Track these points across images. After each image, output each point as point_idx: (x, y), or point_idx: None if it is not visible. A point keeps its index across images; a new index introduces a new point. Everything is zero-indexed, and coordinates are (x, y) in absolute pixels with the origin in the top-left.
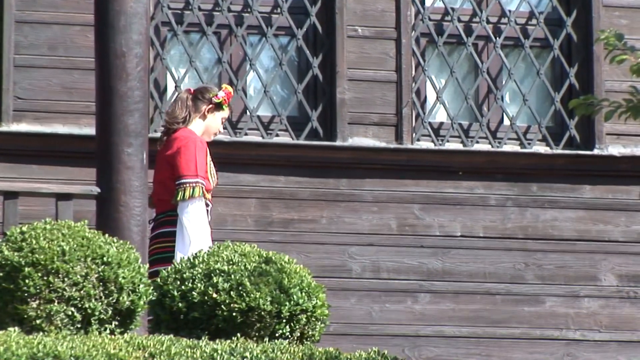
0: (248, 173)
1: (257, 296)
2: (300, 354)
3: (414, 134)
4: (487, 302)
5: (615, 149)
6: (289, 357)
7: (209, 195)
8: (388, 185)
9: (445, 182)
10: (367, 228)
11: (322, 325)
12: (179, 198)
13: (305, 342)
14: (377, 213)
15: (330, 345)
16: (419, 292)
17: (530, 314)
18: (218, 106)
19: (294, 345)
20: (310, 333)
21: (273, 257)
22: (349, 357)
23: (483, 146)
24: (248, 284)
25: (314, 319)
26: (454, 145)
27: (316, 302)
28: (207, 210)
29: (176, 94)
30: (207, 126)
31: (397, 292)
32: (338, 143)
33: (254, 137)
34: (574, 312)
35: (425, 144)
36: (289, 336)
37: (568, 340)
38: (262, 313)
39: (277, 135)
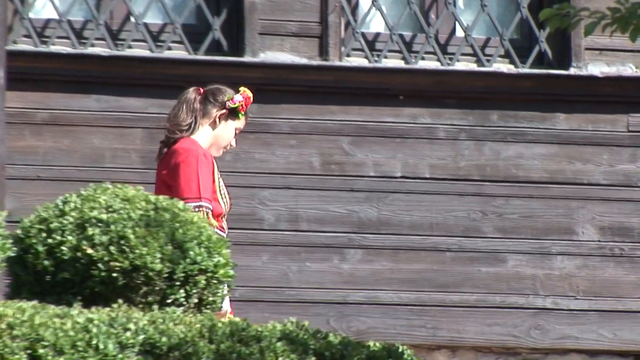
0: (132, 96)
1: (144, 252)
2: (199, 325)
3: (342, 48)
4: (434, 261)
5: (596, 68)
6: (183, 330)
7: (222, 221)
8: (310, 113)
9: (382, 110)
10: (283, 167)
11: (227, 289)
12: None
13: (205, 311)
14: (296, 148)
15: (236, 314)
16: (348, 248)
17: (488, 276)
18: (233, 113)
19: (191, 315)
20: (210, 299)
21: (164, 203)
22: (259, 330)
23: (430, 63)
24: (132, 237)
25: (215, 282)
26: (393, 62)
27: (218, 261)
28: None
29: (181, 94)
30: (217, 136)
31: (321, 248)
32: (247, 59)
33: (140, 51)
34: (544, 274)
35: (357, 61)
36: (184, 303)
37: (536, 309)
38: (150, 274)
39: (169, 48)
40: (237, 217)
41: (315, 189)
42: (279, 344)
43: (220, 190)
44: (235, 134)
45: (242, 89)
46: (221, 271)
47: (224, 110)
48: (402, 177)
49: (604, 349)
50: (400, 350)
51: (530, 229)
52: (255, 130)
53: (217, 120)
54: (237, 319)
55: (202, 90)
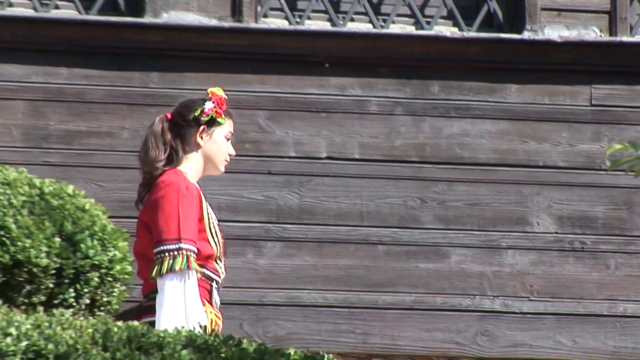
0: (13, 63)
1: (27, 245)
2: (91, 330)
3: (258, 8)
4: (365, 256)
5: (554, 32)
6: (73, 335)
7: (214, 264)
8: (220, 83)
9: (304, 79)
10: None
11: (123, 288)
12: (154, 273)
13: (99, 313)
14: None
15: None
16: (264, 241)
17: (428, 274)
18: (211, 123)
19: (82, 318)
20: (105, 299)
21: (51, 187)
22: (161, 335)
23: (360, 26)
24: (14, 227)
25: (110, 279)
26: (317, 24)
27: (114, 255)
28: (213, 287)
29: (148, 128)
30: (208, 156)
31: (233, 241)
32: (147, 20)
33: (22, 10)
34: (493, 272)
35: (276, 22)
36: (75, 304)
37: (483, 313)
38: (35, 270)
39: (56, 7)
40: (134, 204)
41: (226, 172)
42: (184, 352)
43: (210, 228)
44: (228, 140)
45: (209, 91)
46: (117, 267)
47: (201, 127)
48: (327, 158)
49: (562, 358)
50: (325, 359)
51: (477, 219)
52: (157, 103)
53: (200, 139)
54: (136, 323)
55: (169, 115)
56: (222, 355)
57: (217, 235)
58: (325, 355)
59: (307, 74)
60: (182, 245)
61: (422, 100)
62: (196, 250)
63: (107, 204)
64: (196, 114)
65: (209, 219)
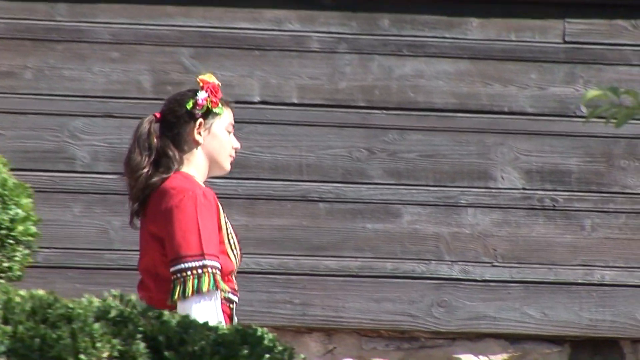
0: None
1: None
2: None
3: None
4: (304, 215)
5: None
6: None
7: (233, 281)
8: (138, 16)
9: (235, 12)
10: (102, 88)
11: (27, 252)
12: (176, 296)
13: None
14: (119, 63)
15: (42, 285)
16: None
17: (376, 236)
18: (208, 115)
19: None
20: (5, 265)
21: None
22: (70, 306)
23: None
24: None
25: (12, 242)
26: None
27: (16, 214)
28: (233, 310)
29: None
30: (211, 153)
31: None
32: None
33: None
34: (451, 233)
35: None
36: None
37: (440, 280)
38: None
39: None
40: (43, 155)
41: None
42: (96, 325)
43: (229, 240)
44: (230, 132)
45: (199, 79)
46: (19, 227)
47: (198, 120)
48: (261, 102)
49: (530, 333)
50: (258, 333)
51: (433, 173)
52: (64, 39)
53: (198, 136)
54: (42, 292)
55: (158, 115)
56: (141, 328)
57: (235, 247)
58: (259, 329)
59: (238, 5)
60: (207, 262)
61: (370, 37)
62: (220, 267)
63: (7, 155)
64: (189, 107)
65: (227, 228)
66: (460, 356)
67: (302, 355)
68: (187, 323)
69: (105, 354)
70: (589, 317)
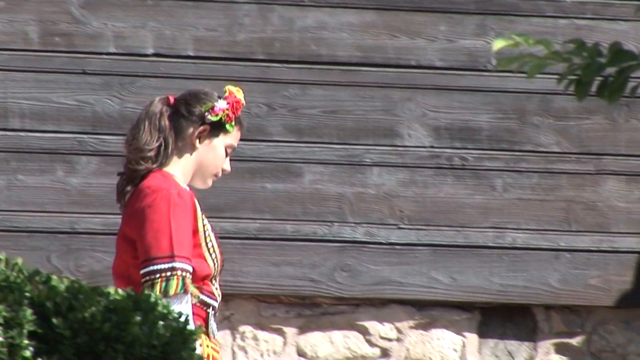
0: None
1: None
2: None
3: None
4: None
5: None
6: None
7: (210, 285)
8: None
9: None
10: None
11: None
12: None
13: None
14: (6, 12)
15: None
16: (78, 155)
17: (276, 196)
18: (217, 127)
19: None
20: None
21: None
22: None
23: None
24: None
25: None
26: None
27: None
28: (210, 314)
29: (144, 107)
30: (200, 163)
31: (39, 155)
32: None
33: None
34: (354, 194)
35: None
36: None
37: (343, 243)
38: None
39: None
40: None
41: (31, 71)
42: None
43: (206, 243)
44: (227, 153)
45: (227, 89)
46: None
47: (203, 126)
48: (155, 54)
49: (437, 299)
50: (151, 299)
51: (336, 130)
52: None
53: (197, 141)
54: None
55: (172, 99)
56: (27, 294)
57: (215, 251)
58: (152, 294)
59: None
60: (176, 265)
61: None
62: (191, 270)
63: None
64: (204, 109)
65: (204, 230)
66: (364, 323)
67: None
68: (77, 288)
69: None
70: (500, 283)
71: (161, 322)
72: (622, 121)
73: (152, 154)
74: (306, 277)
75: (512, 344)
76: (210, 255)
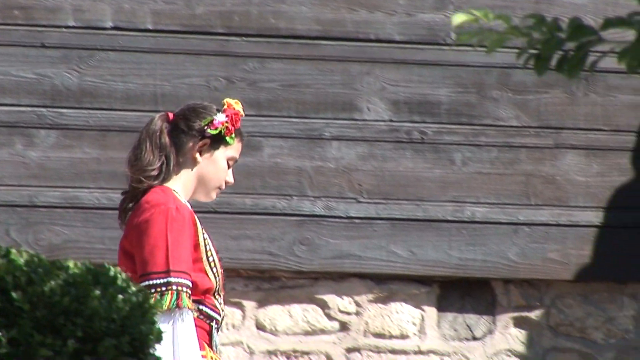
0: None
1: None
2: None
3: None
4: None
5: None
6: None
7: (213, 300)
8: None
9: None
10: None
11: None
12: None
13: None
14: None
15: None
16: (36, 129)
17: (235, 170)
18: (218, 140)
19: None
20: None
21: None
22: None
23: None
24: None
25: None
26: None
27: None
28: (214, 328)
29: (145, 125)
30: (202, 177)
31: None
32: None
33: None
34: (314, 168)
35: None
36: None
37: (302, 217)
38: None
39: None
40: None
41: None
42: None
43: (207, 257)
44: (230, 165)
45: (225, 102)
46: None
47: (204, 140)
48: (114, 28)
49: (396, 272)
50: (111, 273)
51: (295, 104)
52: None
53: (198, 155)
54: None
55: (171, 116)
56: None
57: (215, 265)
58: (112, 268)
59: None
60: (172, 280)
61: None
62: (190, 285)
63: None
64: (203, 124)
65: (205, 245)
66: (323, 297)
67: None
68: (36, 262)
69: None
70: (459, 256)
71: (120, 296)
72: (581, 95)
73: (154, 172)
74: (265, 250)
75: (471, 318)
76: (212, 269)
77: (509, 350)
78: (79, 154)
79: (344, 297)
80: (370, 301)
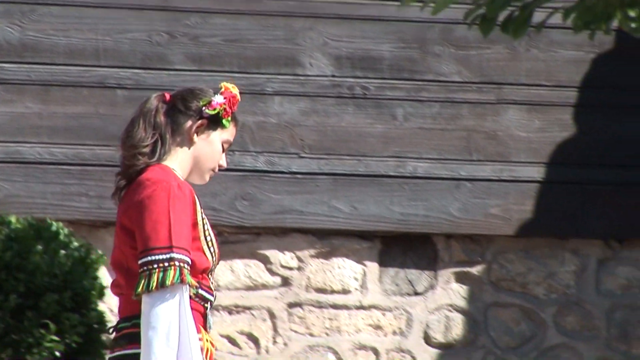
0: None
1: None
2: None
3: None
4: (101, 102)
5: None
6: None
7: (208, 279)
8: None
9: None
10: None
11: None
12: (140, 289)
13: None
14: None
15: None
16: None
17: None
18: (214, 121)
19: None
20: None
21: None
22: None
23: None
24: None
25: None
26: None
27: None
28: (207, 309)
29: (139, 103)
30: (197, 158)
31: None
32: None
33: None
34: (255, 123)
35: None
36: None
37: (244, 172)
38: None
39: None
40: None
41: None
42: None
43: (205, 236)
44: (224, 149)
45: (222, 85)
46: None
47: (201, 121)
48: None
49: (338, 228)
50: (53, 228)
51: (237, 59)
52: None
53: (194, 135)
54: None
55: (168, 96)
56: None
57: (213, 245)
58: (54, 224)
59: None
60: (174, 255)
61: None
62: (190, 262)
63: None
64: (201, 104)
65: (203, 224)
66: (266, 252)
67: (100, 252)
68: None
69: None
70: (401, 212)
71: (62, 252)
72: (522, 50)
73: (147, 149)
74: (207, 206)
75: (413, 273)
76: (209, 248)
77: (451, 305)
78: (21, 108)
79: (286, 253)
80: (312, 256)
